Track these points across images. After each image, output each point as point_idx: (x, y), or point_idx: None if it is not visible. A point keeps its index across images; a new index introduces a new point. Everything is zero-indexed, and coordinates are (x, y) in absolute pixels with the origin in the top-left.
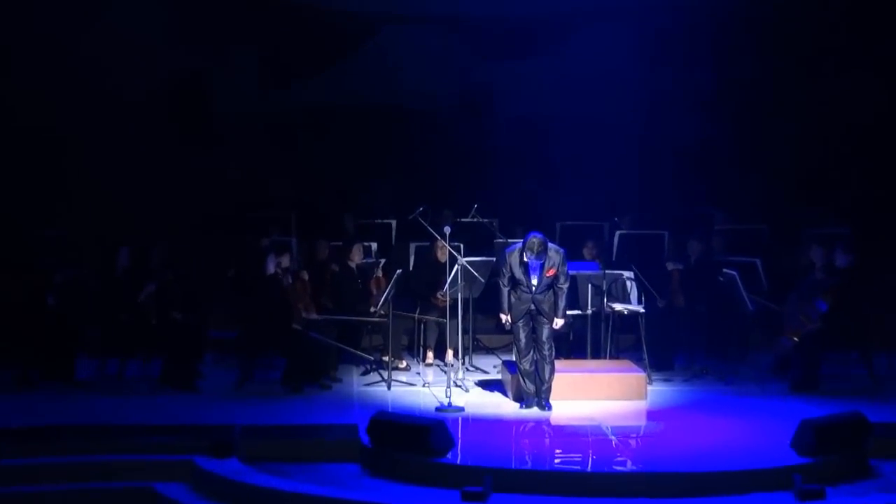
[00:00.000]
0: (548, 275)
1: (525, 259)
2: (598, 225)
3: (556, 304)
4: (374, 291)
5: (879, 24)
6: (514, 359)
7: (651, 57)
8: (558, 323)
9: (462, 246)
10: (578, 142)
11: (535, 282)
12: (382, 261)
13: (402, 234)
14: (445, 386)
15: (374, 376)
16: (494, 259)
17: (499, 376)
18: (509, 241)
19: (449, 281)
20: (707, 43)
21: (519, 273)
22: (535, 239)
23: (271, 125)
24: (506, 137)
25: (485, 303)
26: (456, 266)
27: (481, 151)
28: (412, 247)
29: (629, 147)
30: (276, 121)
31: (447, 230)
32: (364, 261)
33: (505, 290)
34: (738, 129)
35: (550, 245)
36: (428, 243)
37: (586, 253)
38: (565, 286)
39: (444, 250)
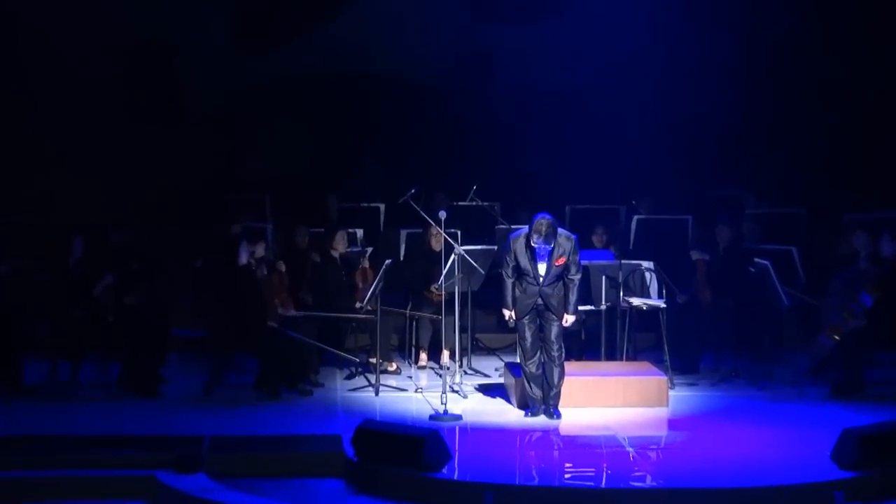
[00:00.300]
0: (557, 264)
1: (533, 244)
2: (613, 209)
3: (566, 298)
4: (360, 284)
5: None
6: (518, 360)
7: (672, 20)
8: (569, 319)
9: (459, 233)
10: (590, 115)
11: (542, 272)
12: (369, 250)
13: (392, 220)
14: (441, 391)
15: (360, 380)
16: (496, 247)
17: (501, 380)
18: (513, 227)
19: (445, 272)
20: (735, 5)
21: (525, 262)
22: (543, 220)
23: (244, 97)
24: (509, 111)
25: (485, 297)
26: (452, 256)
27: (481, 126)
28: (403, 234)
29: (648, 121)
30: (249, 92)
31: (442, 215)
32: (349, 250)
33: (509, 283)
34: (772, 102)
35: (561, 230)
36: (421, 230)
37: (596, 240)
38: (577, 277)
39: (438, 238)
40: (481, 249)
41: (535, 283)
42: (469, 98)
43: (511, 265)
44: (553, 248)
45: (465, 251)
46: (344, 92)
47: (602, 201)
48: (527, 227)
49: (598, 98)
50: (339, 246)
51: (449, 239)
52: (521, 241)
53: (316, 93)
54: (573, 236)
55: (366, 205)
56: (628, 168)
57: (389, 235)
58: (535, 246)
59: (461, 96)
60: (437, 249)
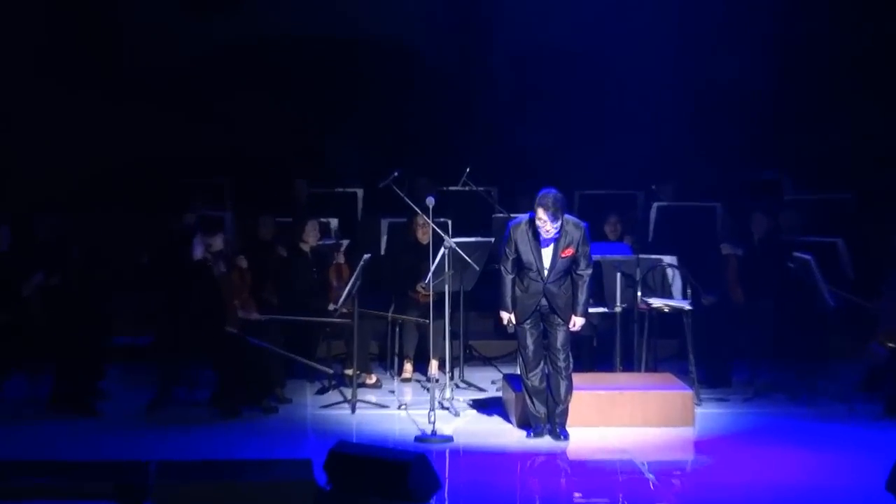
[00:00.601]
0: (563, 255)
1: (538, 222)
2: (630, 195)
3: (574, 297)
4: (335, 283)
5: None
6: (518, 372)
7: None
8: (577, 323)
9: (450, 223)
10: (603, 86)
11: (547, 264)
12: (345, 242)
13: (372, 207)
14: (428, 408)
15: (333, 395)
16: (493, 240)
17: (499, 395)
18: (512, 215)
19: (433, 269)
20: None
21: (527, 253)
22: (549, 194)
23: (198, 66)
24: (508, 82)
25: (480, 298)
26: (442, 249)
27: (476, 100)
28: (384, 224)
29: (669, 93)
30: (204, 60)
31: (431, 201)
32: (321, 242)
33: (508, 280)
34: (815, 70)
35: (569, 216)
36: (405, 219)
37: (609, 231)
38: (587, 273)
39: (426, 228)
40: (476, 242)
41: (538, 279)
42: (463, 67)
43: (510, 258)
44: (560, 237)
45: (457, 244)
46: (316, 59)
47: (616, 186)
48: (529, 213)
49: (611, 65)
50: (310, 238)
51: (438, 230)
52: (523, 228)
53: (284, 60)
54: (583, 224)
55: (341, 190)
56: (647, 147)
57: (368, 225)
58: (540, 226)
59: (454, 65)
60: (425, 242)
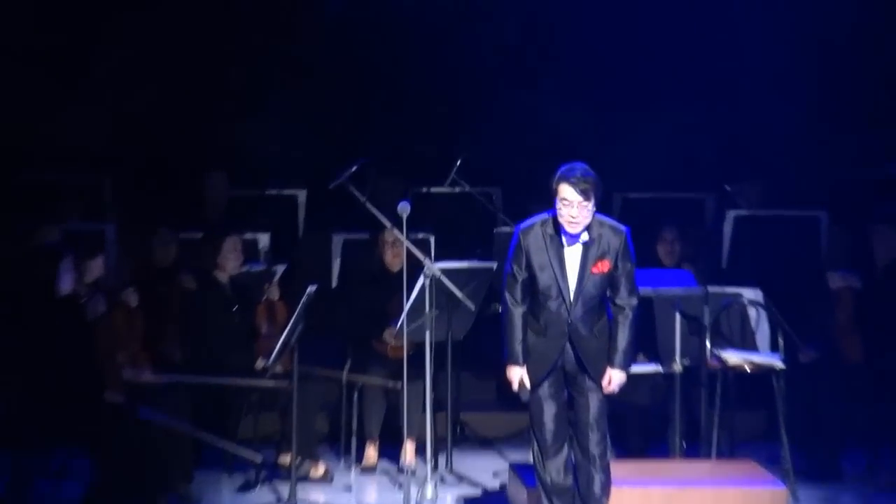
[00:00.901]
0: (596, 270)
1: (562, 209)
2: (693, 200)
3: (612, 341)
4: (265, 329)
5: None
6: (531, 460)
7: None
8: (615, 380)
9: (433, 240)
10: (648, 45)
11: (573, 284)
12: (280, 269)
13: (319, 218)
14: None
15: (263, 494)
16: (495, 265)
17: (502, 491)
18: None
19: (407, 308)
20: None
21: (545, 267)
22: (577, 167)
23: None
24: (515, 44)
25: (476, 350)
26: (421, 279)
27: (471, 68)
28: (337, 242)
29: (745, 59)
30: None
31: (404, 209)
32: (246, 269)
33: (516, 315)
34: None
35: (604, 218)
36: (367, 235)
37: (663, 252)
38: (631, 305)
39: (397, 249)
40: (470, 268)
41: (560, 308)
42: (455, 24)
43: (520, 279)
44: (592, 243)
45: (442, 271)
46: (241, 13)
47: (672, 187)
48: (548, 211)
49: (660, 14)
50: (229, 263)
51: (415, 250)
52: (538, 231)
53: (181, 8)
54: (624, 229)
55: (274, 192)
56: (718, 130)
57: (314, 244)
58: (564, 215)
59: (441, 19)
60: (396, 268)
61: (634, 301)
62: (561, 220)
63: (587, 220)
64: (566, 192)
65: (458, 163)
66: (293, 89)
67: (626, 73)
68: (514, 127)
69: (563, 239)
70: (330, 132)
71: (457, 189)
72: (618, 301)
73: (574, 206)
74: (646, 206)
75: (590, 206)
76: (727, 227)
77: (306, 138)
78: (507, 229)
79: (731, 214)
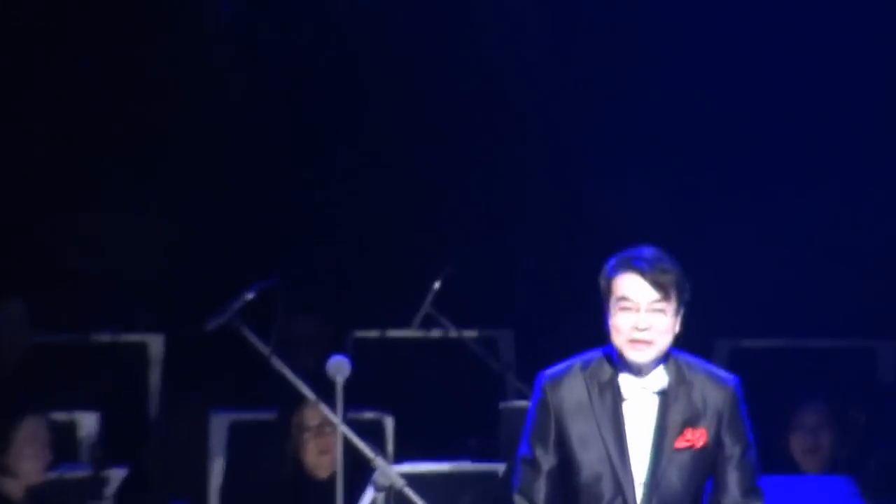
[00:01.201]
0: (684, 445)
1: (618, 329)
2: (855, 349)
3: None
4: None
5: None
6: None
7: None
8: None
9: (391, 422)
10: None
11: (642, 469)
12: (120, 473)
13: (186, 383)
14: None
15: None
16: (503, 468)
17: None
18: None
19: None
20: None
21: (589, 443)
22: (646, 252)
23: None
24: (527, 94)
25: None
26: (370, 491)
27: (451, 114)
28: (218, 424)
29: None
30: None
31: (340, 369)
32: (55, 474)
33: None
34: None
35: (697, 360)
36: (272, 414)
37: (800, 446)
38: None
39: (327, 439)
40: (457, 471)
41: None
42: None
43: (545, 467)
44: (675, 392)
45: (407, 477)
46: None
47: (816, 330)
48: (600, 348)
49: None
50: (24, 464)
51: (358, 441)
52: (578, 379)
53: None
54: (731, 381)
55: (110, 337)
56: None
57: (177, 430)
58: (627, 327)
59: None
60: (324, 472)
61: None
62: (616, 341)
63: (665, 342)
64: (629, 285)
65: (436, 286)
66: (143, 159)
67: (698, 145)
68: (535, 223)
69: (623, 387)
70: (208, 236)
71: (433, 333)
72: (727, 499)
73: (642, 312)
74: (769, 361)
75: (669, 314)
76: None
77: (168, 246)
78: (521, 404)
79: None
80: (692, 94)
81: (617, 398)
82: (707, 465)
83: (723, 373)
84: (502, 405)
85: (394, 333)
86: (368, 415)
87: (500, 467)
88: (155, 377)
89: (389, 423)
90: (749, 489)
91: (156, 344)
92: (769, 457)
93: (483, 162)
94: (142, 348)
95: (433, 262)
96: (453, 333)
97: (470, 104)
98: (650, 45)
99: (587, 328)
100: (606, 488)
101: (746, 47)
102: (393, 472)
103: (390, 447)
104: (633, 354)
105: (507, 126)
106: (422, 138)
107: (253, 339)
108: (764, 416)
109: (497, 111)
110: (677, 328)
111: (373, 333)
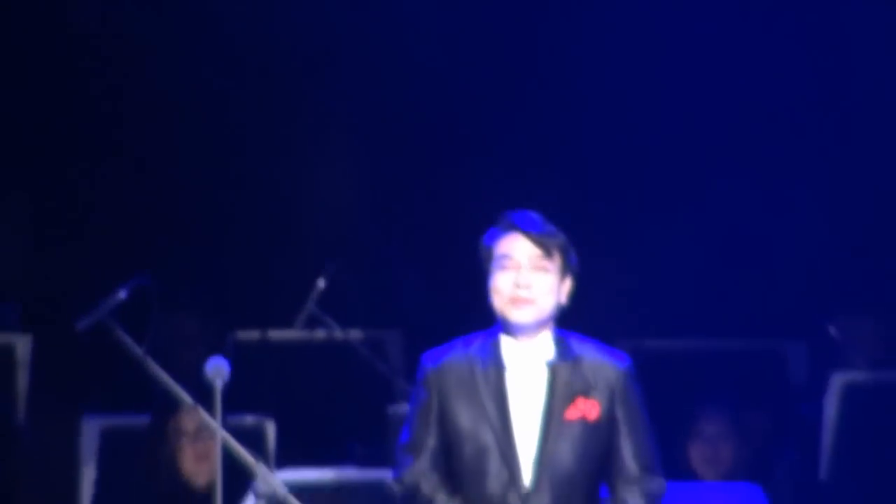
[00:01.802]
0: (574, 417)
1: (498, 290)
2: (762, 351)
3: None
4: None
5: None
6: None
7: None
8: None
9: (273, 428)
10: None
11: (531, 443)
12: None
13: (56, 389)
14: None
15: None
16: (390, 476)
17: None
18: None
19: None
20: None
21: (473, 419)
22: (528, 213)
23: None
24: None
25: None
26: (251, 500)
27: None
28: (90, 431)
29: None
30: None
31: (218, 372)
32: None
33: None
34: None
35: (586, 341)
36: (147, 419)
37: (699, 456)
38: (648, 491)
39: (205, 445)
40: (342, 480)
41: (506, 490)
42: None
43: (427, 448)
44: (564, 362)
45: (290, 486)
46: None
47: (721, 329)
48: (490, 328)
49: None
50: None
51: (238, 448)
52: (461, 361)
53: None
54: (623, 363)
55: None
56: (811, 255)
57: (45, 436)
58: (510, 287)
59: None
60: (201, 480)
61: (654, 486)
62: (497, 304)
63: (548, 304)
64: (508, 242)
65: (320, 284)
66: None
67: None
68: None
69: (506, 356)
70: (81, 232)
71: (316, 333)
72: (621, 483)
73: (523, 270)
74: (673, 362)
75: (552, 273)
76: (831, 403)
77: (35, 242)
78: (395, 411)
79: (837, 380)
80: (587, 91)
81: (500, 368)
82: (601, 443)
83: (615, 351)
84: (390, 409)
85: (276, 334)
86: (249, 420)
87: (387, 475)
88: (22, 380)
89: (271, 429)
90: (646, 467)
91: (23, 345)
92: (667, 465)
93: (365, 157)
94: (8, 350)
95: (317, 259)
96: (338, 334)
97: (373, 100)
98: (549, 39)
99: (479, 329)
100: (492, 464)
101: (649, 44)
102: (275, 479)
103: (272, 454)
104: (515, 314)
105: (397, 122)
106: (306, 133)
107: (126, 339)
108: (664, 422)
109: (392, 108)
110: (563, 298)
111: (253, 334)
